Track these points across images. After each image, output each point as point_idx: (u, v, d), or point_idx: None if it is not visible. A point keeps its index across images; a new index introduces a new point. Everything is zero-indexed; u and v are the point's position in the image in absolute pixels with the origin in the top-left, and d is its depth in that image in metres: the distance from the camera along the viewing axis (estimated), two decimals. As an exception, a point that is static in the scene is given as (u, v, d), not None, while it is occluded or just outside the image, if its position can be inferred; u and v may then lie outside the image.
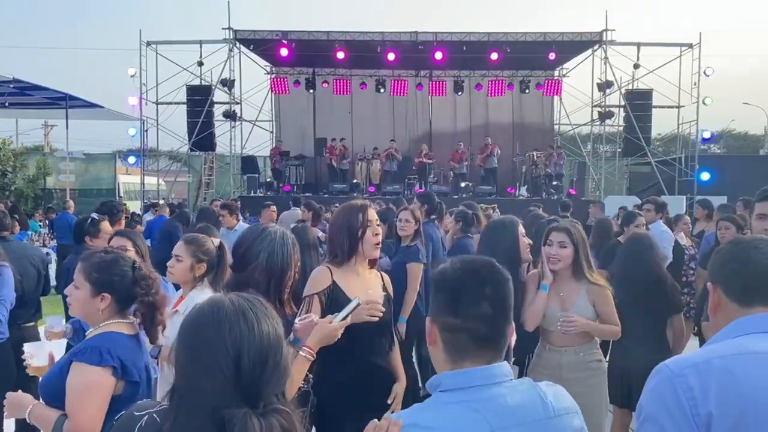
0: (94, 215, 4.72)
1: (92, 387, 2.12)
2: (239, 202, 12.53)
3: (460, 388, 1.39)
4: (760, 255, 1.54)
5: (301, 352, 2.36)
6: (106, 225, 4.62)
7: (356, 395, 2.76)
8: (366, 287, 2.87)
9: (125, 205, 10.05)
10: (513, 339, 3.28)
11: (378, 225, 2.98)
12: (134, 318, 2.34)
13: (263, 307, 1.42)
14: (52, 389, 2.19)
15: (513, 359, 4.34)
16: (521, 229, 3.88)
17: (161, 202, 15.68)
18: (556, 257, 3.48)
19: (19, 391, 2.37)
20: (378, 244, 2.95)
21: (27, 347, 2.65)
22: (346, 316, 2.48)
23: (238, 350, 1.31)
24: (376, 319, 2.70)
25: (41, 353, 2.62)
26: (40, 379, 2.46)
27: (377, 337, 2.90)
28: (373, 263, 3.02)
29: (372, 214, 2.98)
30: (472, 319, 1.43)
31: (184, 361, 1.36)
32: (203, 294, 3.06)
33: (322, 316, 2.60)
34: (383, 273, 3.19)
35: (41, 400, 2.27)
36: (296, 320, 2.48)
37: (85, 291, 2.29)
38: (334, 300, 2.78)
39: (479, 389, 1.39)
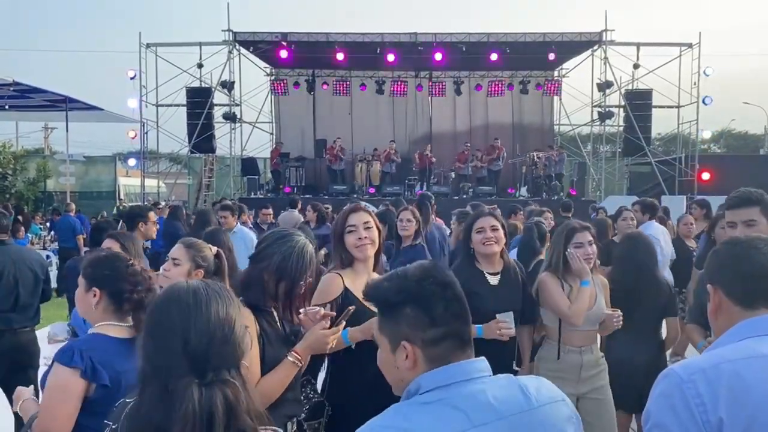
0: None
1: (59, 386, 2.14)
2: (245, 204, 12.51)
3: (439, 387, 1.33)
4: (760, 255, 1.52)
5: (288, 357, 2.33)
6: (152, 215, 4.99)
7: (370, 403, 2.72)
8: None
9: (158, 206, 9.79)
10: (512, 331, 3.26)
11: (366, 228, 2.95)
12: (133, 321, 2.34)
13: (219, 288, 1.54)
14: (44, 385, 2.24)
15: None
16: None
17: (162, 203, 15.66)
18: (590, 257, 3.57)
19: (31, 387, 2.42)
20: (360, 246, 2.92)
21: (51, 327, 2.91)
22: (338, 322, 2.46)
23: (185, 327, 1.44)
24: None
25: (61, 330, 2.82)
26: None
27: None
28: (377, 261, 3.03)
29: (357, 217, 2.97)
30: (453, 322, 1.38)
31: (144, 342, 1.50)
32: None
33: (332, 325, 2.58)
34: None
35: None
36: (301, 311, 2.45)
37: (81, 286, 2.36)
38: (347, 305, 2.72)
39: (458, 386, 1.33)
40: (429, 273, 1.41)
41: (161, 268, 3.15)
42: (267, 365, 2.31)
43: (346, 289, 2.86)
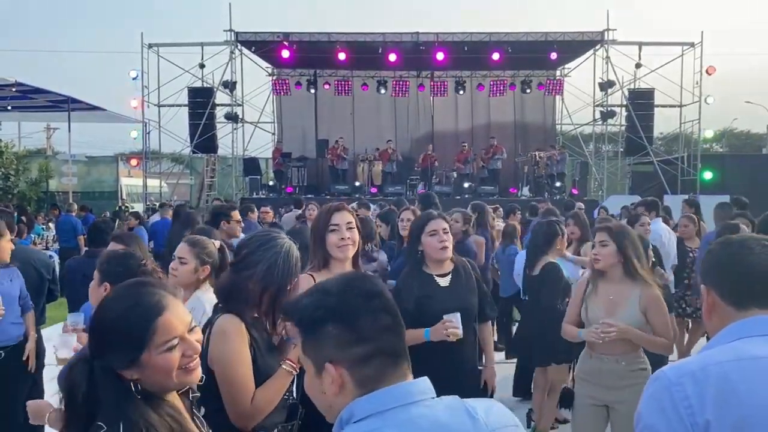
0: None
1: None
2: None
3: (374, 414, 1.18)
4: (753, 256, 1.51)
5: (283, 365, 2.28)
6: (236, 213, 5.12)
7: None
8: None
9: (166, 207, 9.68)
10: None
11: (348, 228, 2.89)
12: None
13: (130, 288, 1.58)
14: None
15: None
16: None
17: (172, 201, 15.60)
18: (597, 257, 3.44)
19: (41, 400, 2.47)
20: (342, 246, 2.86)
21: (56, 340, 2.92)
22: None
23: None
24: None
25: (66, 346, 2.82)
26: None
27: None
28: (355, 264, 2.96)
29: (340, 217, 2.90)
30: (382, 335, 1.23)
31: None
32: (207, 294, 3.05)
33: None
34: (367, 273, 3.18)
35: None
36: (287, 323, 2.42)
37: (95, 280, 2.47)
38: None
39: (396, 411, 1.18)
40: (351, 284, 1.28)
41: (170, 267, 3.17)
42: (261, 375, 2.25)
43: None
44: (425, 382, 1.25)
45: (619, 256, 3.38)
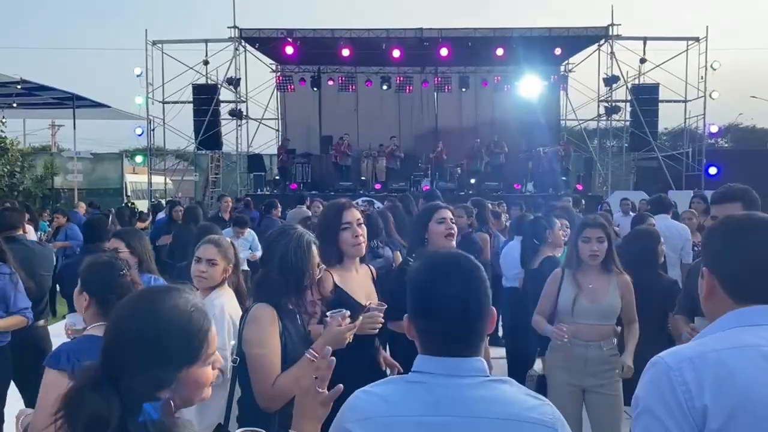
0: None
1: (48, 388, 2.19)
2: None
3: (428, 373, 1.43)
4: (756, 245, 1.49)
5: (306, 354, 2.36)
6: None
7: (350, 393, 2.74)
8: (364, 286, 2.90)
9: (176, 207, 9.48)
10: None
11: (359, 225, 2.97)
12: None
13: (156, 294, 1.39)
14: None
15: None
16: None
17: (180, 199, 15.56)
18: (597, 253, 3.55)
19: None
20: (358, 244, 2.95)
21: (69, 317, 2.98)
22: (356, 318, 2.50)
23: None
24: (376, 330, 2.72)
25: (79, 320, 2.89)
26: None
27: (369, 338, 2.86)
28: (362, 258, 3.07)
29: (351, 214, 2.97)
30: (443, 322, 1.44)
31: None
32: (227, 293, 3.14)
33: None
34: (371, 267, 3.25)
35: None
36: (328, 314, 2.48)
37: (78, 286, 2.43)
38: (338, 304, 2.73)
39: (444, 378, 1.42)
40: (442, 268, 1.52)
41: (192, 270, 3.14)
42: (288, 362, 2.35)
43: (336, 286, 2.86)
44: (479, 362, 1.46)
45: (607, 251, 3.60)
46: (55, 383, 2.18)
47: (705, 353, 1.41)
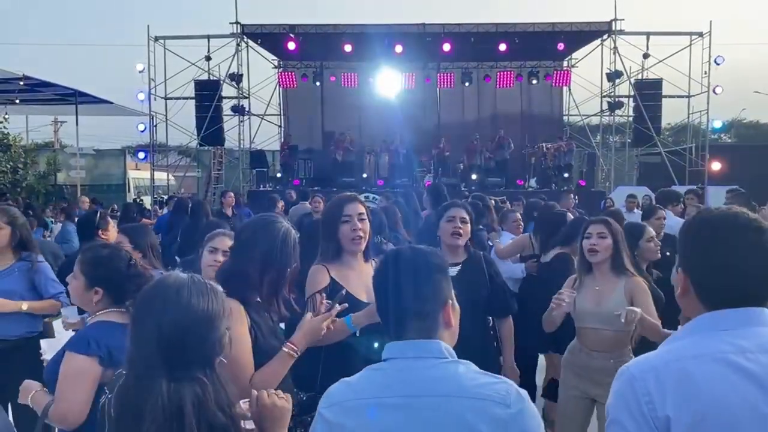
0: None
1: (78, 374, 2.21)
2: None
3: (390, 358, 1.59)
4: (722, 249, 1.44)
5: (283, 348, 2.29)
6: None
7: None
8: (364, 282, 2.78)
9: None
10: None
11: (360, 219, 2.90)
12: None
13: (204, 286, 1.59)
14: (52, 376, 2.30)
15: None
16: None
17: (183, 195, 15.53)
18: (596, 247, 3.44)
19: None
20: (356, 238, 2.88)
21: (64, 311, 3.08)
22: (330, 308, 2.43)
23: (161, 319, 1.50)
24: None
25: (73, 313, 3.00)
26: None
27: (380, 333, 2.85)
28: (366, 254, 2.98)
29: (353, 208, 2.91)
30: (397, 311, 1.61)
31: (129, 329, 1.59)
32: None
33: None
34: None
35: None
36: (308, 316, 2.41)
37: (80, 282, 2.41)
38: (333, 298, 2.67)
39: (402, 361, 1.56)
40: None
41: (206, 260, 3.04)
42: (261, 357, 2.26)
43: (333, 280, 2.81)
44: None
45: (614, 249, 3.45)
46: (85, 369, 2.20)
47: (669, 362, 1.40)
